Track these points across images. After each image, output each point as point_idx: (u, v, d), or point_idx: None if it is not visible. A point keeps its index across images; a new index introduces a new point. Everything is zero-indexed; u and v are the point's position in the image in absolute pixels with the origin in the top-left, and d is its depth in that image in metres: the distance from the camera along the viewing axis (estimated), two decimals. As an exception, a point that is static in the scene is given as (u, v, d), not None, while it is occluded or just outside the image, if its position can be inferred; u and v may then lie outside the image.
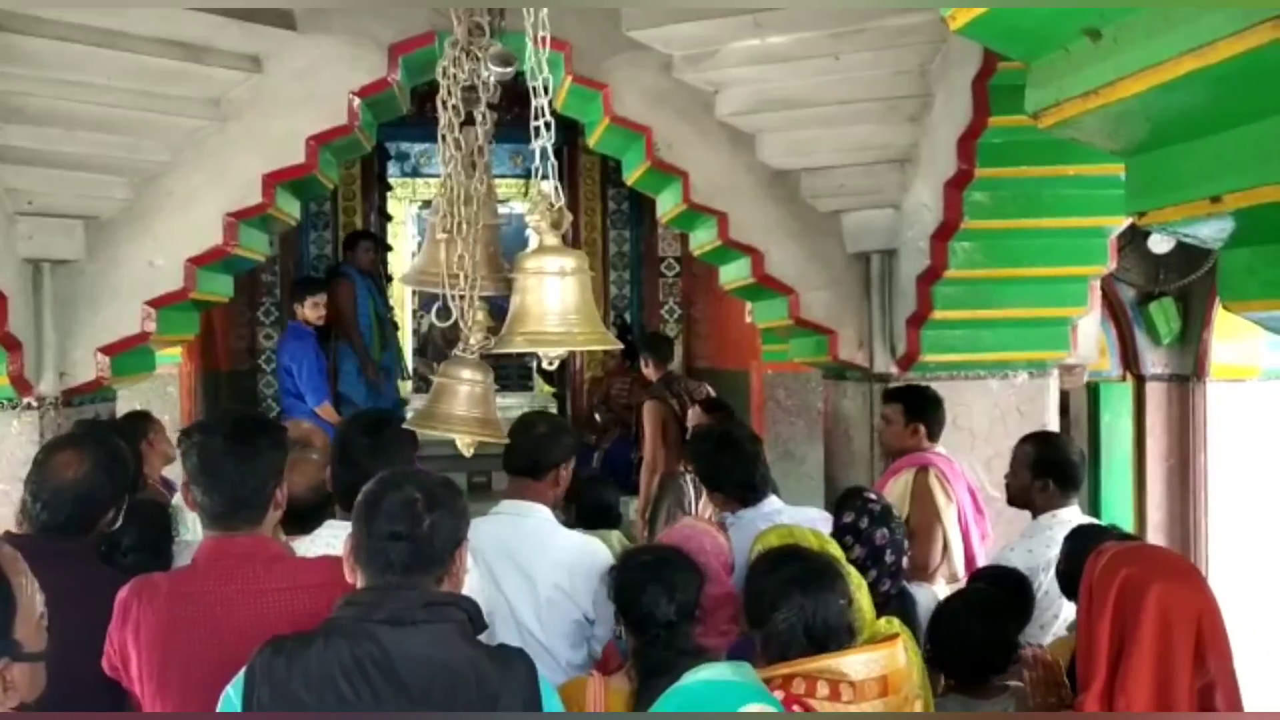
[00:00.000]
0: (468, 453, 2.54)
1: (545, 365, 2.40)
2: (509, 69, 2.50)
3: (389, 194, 10.82)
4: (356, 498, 2.13)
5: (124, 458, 2.86)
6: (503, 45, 2.49)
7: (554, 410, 10.78)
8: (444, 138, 2.46)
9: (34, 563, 1.70)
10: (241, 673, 1.99)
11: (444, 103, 2.46)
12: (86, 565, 2.65)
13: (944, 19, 2.15)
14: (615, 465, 7.46)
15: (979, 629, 2.87)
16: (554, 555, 3.07)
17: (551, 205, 2.31)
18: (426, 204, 10.31)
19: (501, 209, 3.26)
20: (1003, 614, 2.97)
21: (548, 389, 11.49)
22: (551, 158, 2.40)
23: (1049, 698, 2.74)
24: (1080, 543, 2.98)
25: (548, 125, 2.40)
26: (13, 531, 2.79)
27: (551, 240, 2.37)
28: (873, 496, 3.46)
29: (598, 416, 8.69)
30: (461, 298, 2.36)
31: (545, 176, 2.40)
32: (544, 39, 2.31)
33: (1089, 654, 2.13)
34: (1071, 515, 3.64)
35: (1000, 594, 3.14)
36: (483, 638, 2.27)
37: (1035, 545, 3.57)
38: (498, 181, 2.87)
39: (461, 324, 2.42)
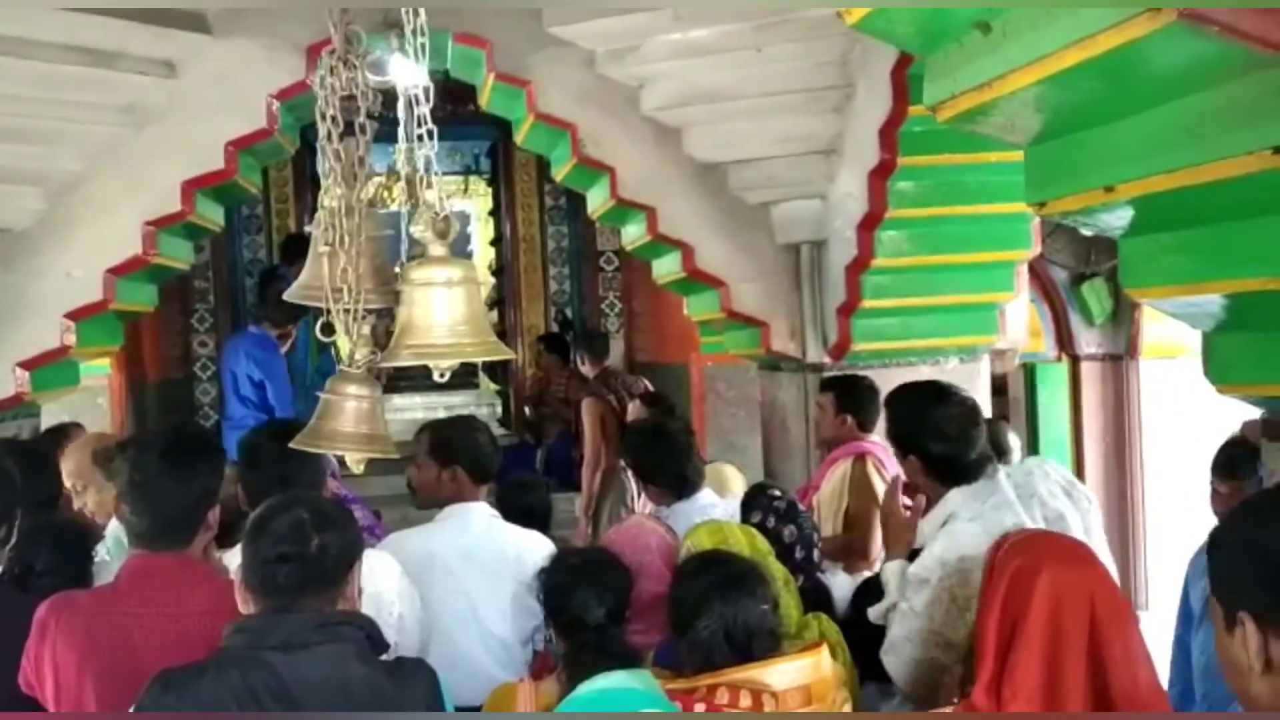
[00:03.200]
0: (357, 469, 2.50)
1: (436, 377, 2.37)
2: (387, 77, 2.47)
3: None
4: None
5: (9, 475, 2.75)
6: (380, 52, 2.47)
7: (499, 409, 10.73)
8: (323, 149, 2.44)
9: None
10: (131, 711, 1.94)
11: (322, 114, 2.43)
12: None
13: (840, 14, 2.16)
14: (557, 463, 7.45)
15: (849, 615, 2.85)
16: (512, 549, 3.13)
17: (437, 215, 2.29)
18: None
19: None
20: (865, 598, 2.94)
21: (492, 386, 11.42)
22: (435, 166, 2.39)
23: None
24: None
25: (430, 133, 2.39)
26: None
27: (438, 250, 2.35)
28: (777, 493, 3.43)
29: (527, 411, 8.66)
30: (346, 312, 2.33)
31: (429, 186, 2.39)
32: (424, 45, 2.30)
33: (980, 646, 2.12)
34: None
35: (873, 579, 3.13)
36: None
37: None
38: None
39: (347, 339, 2.38)
